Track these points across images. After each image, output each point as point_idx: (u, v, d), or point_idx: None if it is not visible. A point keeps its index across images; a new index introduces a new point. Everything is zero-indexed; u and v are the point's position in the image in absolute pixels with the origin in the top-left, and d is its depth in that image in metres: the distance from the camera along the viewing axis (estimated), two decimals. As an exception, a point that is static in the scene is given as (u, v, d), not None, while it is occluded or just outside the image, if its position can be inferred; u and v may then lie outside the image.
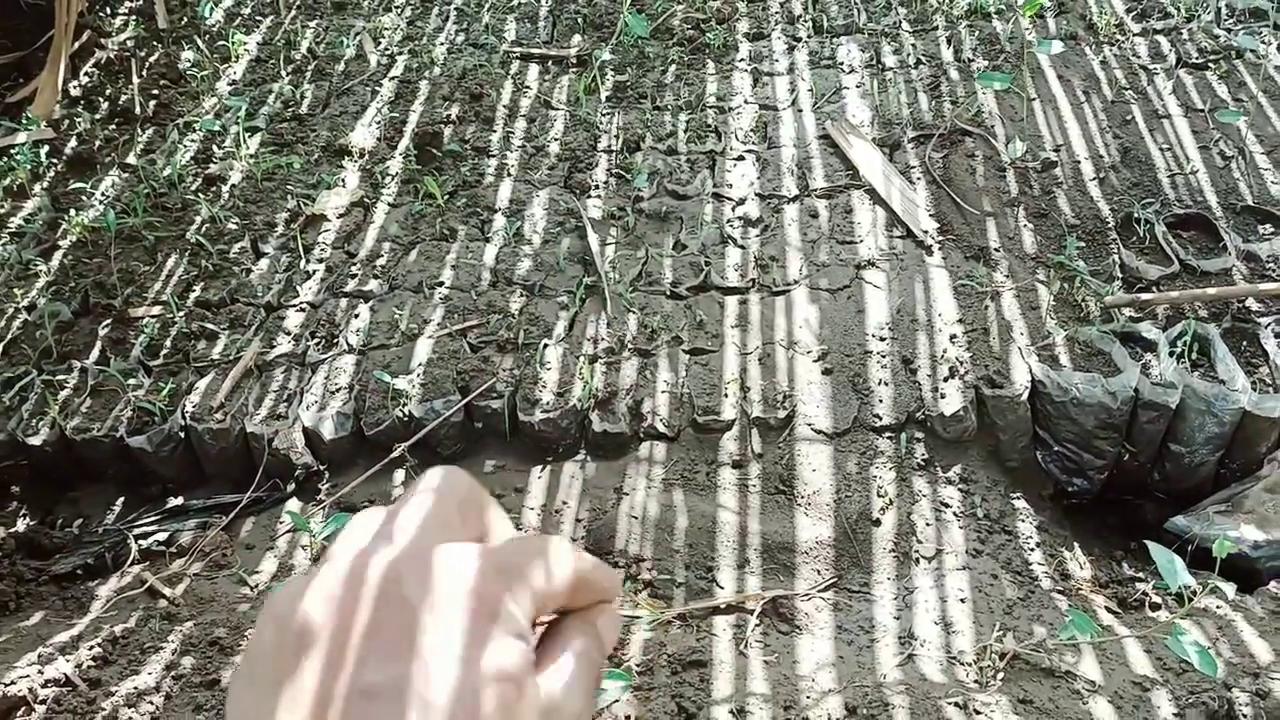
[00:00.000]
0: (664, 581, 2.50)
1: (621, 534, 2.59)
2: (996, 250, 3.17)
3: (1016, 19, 4.00)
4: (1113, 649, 2.28)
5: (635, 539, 2.58)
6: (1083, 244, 3.17)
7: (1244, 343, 2.88)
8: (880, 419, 2.77)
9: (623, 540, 2.57)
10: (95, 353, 3.05)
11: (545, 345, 2.94)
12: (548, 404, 2.82)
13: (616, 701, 2.05)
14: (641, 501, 2.65)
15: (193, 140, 3.79)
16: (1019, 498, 2.74)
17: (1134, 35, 3.92)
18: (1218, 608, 2.42)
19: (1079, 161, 3.43)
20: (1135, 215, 3.20)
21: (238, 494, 2.80)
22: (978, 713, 2.06)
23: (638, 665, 2.21)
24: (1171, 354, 2.79)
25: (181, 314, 3.11)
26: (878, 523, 2.60)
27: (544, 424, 2.79)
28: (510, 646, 0.48)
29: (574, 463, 2.78)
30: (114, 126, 3.89)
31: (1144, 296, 2.95)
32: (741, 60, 4.02)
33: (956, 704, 2.08)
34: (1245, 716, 2.09)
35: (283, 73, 4.07)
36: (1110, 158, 3.42)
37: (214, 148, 3.74)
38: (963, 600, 2.42)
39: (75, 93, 4.04)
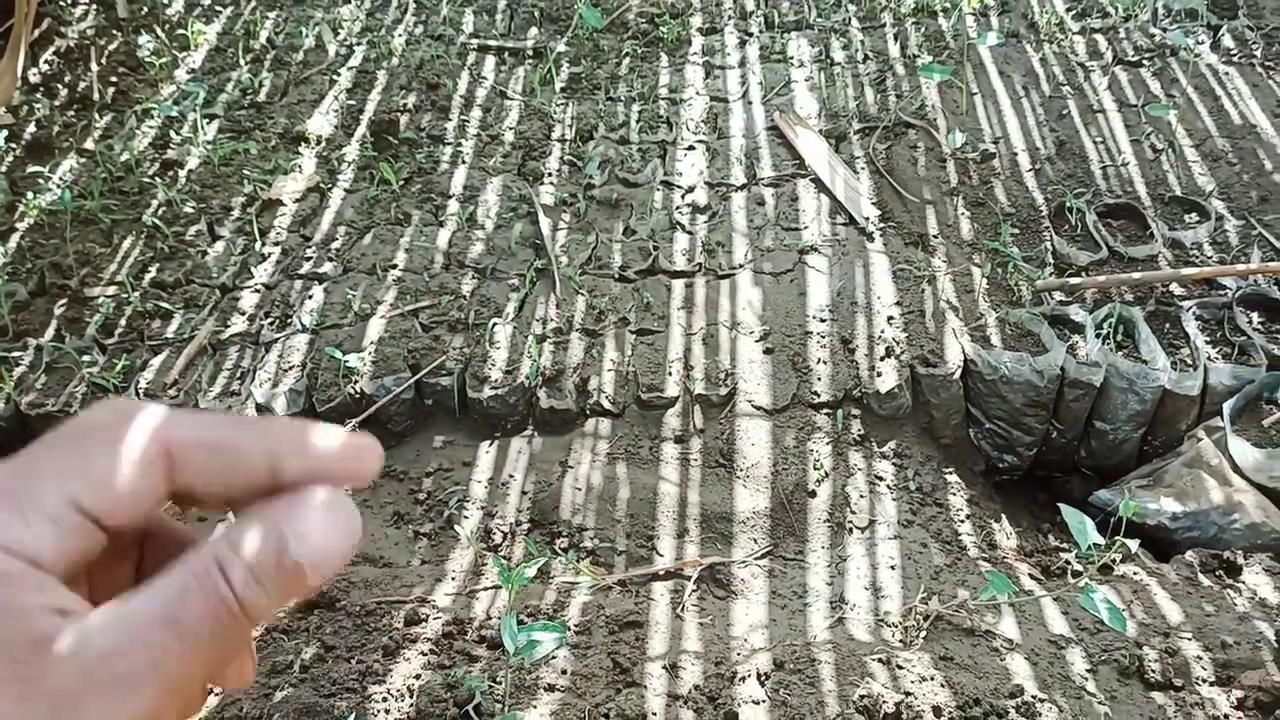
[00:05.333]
0: (605, 550, 2.59)
1: (566, 505, 2.67)
2: (935, 237, 3.28)
3: (961, 16, 4.12)
4: (1031, 610, 2.38)
5: (579, 510, 2.66)
6: (1017, 231, 3.28)
7: (1167, 325, 3.00)
8: (818, 396, 2.86)
9: (567, 511, 2.65)
10: (51, 331, 3.09)
11: (495, 325, 3.02)
12: (496, 381, 2.90)
13: (553, 657, 2.13)
14: (586, 474, 2.73)
15: (151, 126, 3.84)
16: (951, 472, 2.84)
17: (1073, 33, 4.05)
18: (1135, 574, 2.53)
19: (1016, 153, 3.55)
20: (1068, 204, 3.32)
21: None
22: (900, 668, 2.15)
23: (576, 625, 2.28)
24: (1098, 335, 2.90)
25: (137, 294, 3.16)
26: (813, 494, 2.69)
27: (493, 400, 2.87)
28: None
29: (521, 438, 2.86)
30: (73, 113, 3.93)
31: (1073, 281, 3.07)
32: (694, 54, 4.12)
33: (880, 660, 2.17)
34: (1154, 672, 2.20)
35: (241, 62, 4.12)
36: (1046, 150, 3.54)
37: (172, 133, 3.79)
38: (893, 567, 2.52)
39: (34, 80, 4.07)
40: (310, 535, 0.42)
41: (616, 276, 3.21)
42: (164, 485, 0.43)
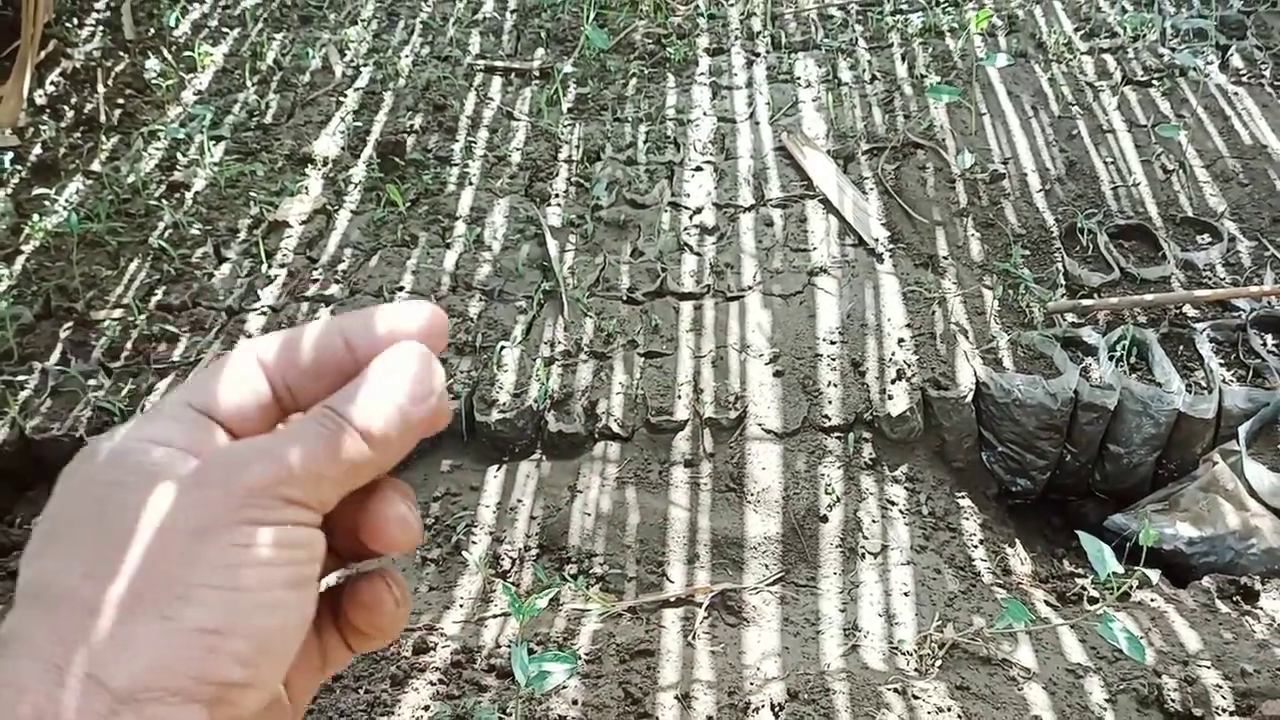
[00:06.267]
0: (615, 576, 2.56)
1: (575, 530, 2.64)
2: (945, 258, 3.26)
3: (969, 36, 4.11)
4: (1048, 638, 2.35)
5: (588, 535, 2.63)
6: (1028, 252, 3.26)
7: (1180, 347, 2.97)
8: (829, 419, 2.84)
9: (576, 536, 2.63)
10: (56, 355, 3.07)
11: (503, 348, 3.00)
12: (504, 405, 2.87)
13: (564, 686, 2.10)
14: (595, 499, 2.70)
15: (157, 148, 3.83)
16: (964, 496, 2.81)
17: (1081, 54, 4.04)
18: (1152, 601, 2.50)
19: (1026, 174, 3.53)
20: (1079, 225, 3.30)
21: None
22: (916, 698, 2.12)
23: (586, 654, 2.25)
24: (1111, 358, 2.88)
25: (142, 317, 3.14)
26: (825, 519, 2.66)
27: (500, 424, 2.84)
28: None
29: (530, 462, 2.84)
30: (79, 134, 3.92)
31: (1085, 302, 3.04)
32: (701, 74, 4.11)
33: (895, 690, 2.14)
34: (1173, 702, 2.17)
35: (248, 83, 4.12)
36: (1056, 170, 3.53)
37: (178, 155, 3.78)
38: (906, 593, 2.48)
39: (41, 101, 4.07)
40: (399, 372, 0.50)
41: (625, 298, 3.19)
42: (259, 381, 0.51)
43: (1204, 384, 2.85)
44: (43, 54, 4.22)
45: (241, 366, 0.51)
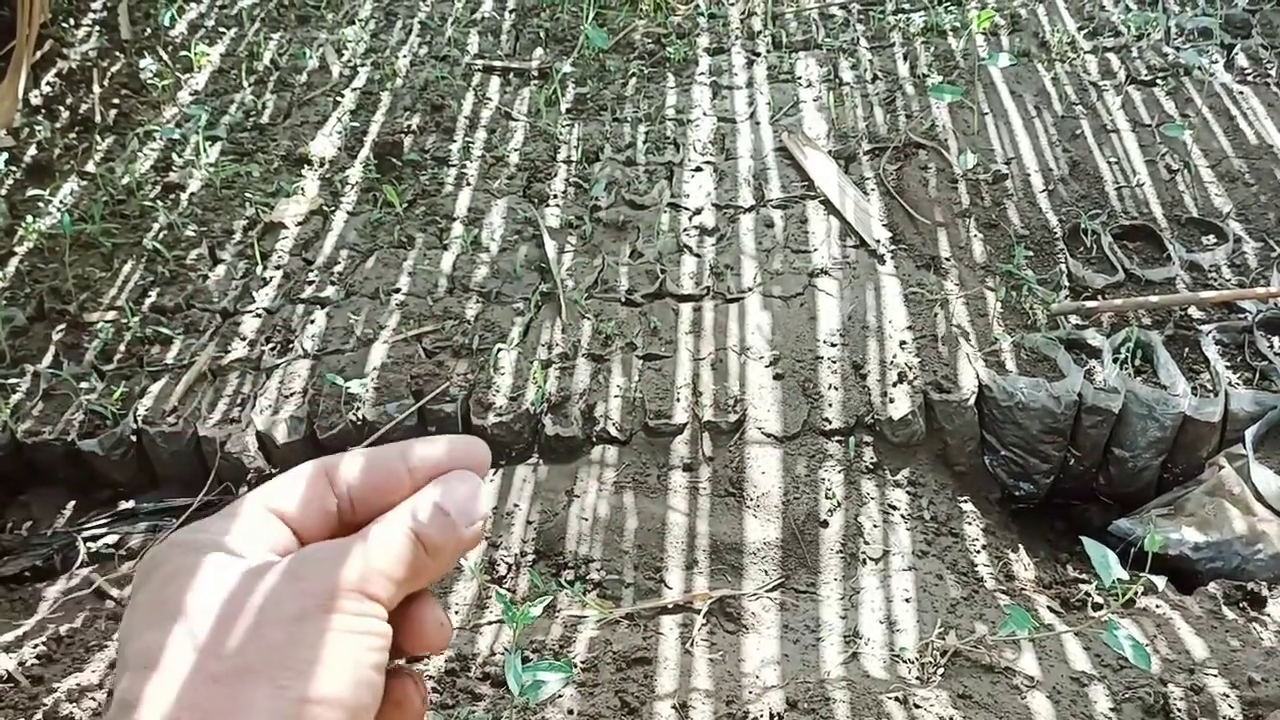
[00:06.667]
0: (613, 582, 2.52)
1: (571, 535, 2.60)
2: (947, 259, 3.22)
3: (971, 36, 4.07)
4: (1052, 646, 2.31)
5: (585, 540, 2.60)
6: (1031, 253, 3.22)
7: (1186, 350, 2.93)
8: (830, 423, 2.80)
9: (573, 541, 2.59)
10: (48, 357, 3.04)
11: (500, 350, 2.96)
12: (501, 408, 2.84)
13: (559, 695, 2.06)
14: (592, 503, 2.67)
15: (152, 149, 3.80)
16: (966, 501, 2.77)
17: (1085, 53, 4.00)
18: (1157, 607, 2.46)
19: (1029, 174, 3.49)
20: (1083, 226, 3.26)
21: (189, 497, 2.80)
22: (917, 707, 2.08)
23: (582, 662, 2.22)
24: (1115, 360, 2.84)
25: (136, 319, 3.11)
26: (825, 524, 2.63)
27: (497, 427, 2.81)
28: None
29: (526, 466, 2.80)
30: (74, 135, 3.89)
31: (1089, 304, 3.01)
32: (701, 74, 4.07)
33: (897, 699, 2.10)
34: (1180, 711, 2.13)
35: (245, 83, 4.09)
36: (1059, 170, 3.49)
37: (174, 156, 3.75)
38: (907, 600, 2.45)
39: (36, 101, 4.04)
40: (453, 493, 0.58)
41: (623, 300, 3.15)
42: (326, 493, 0.58)
43: (1210, 387, 2.81)
44: (38, 54, 4.19)
45: (314, 481, 0.59)
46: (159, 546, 0.54)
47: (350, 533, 0.58)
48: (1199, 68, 3.83)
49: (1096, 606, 2.52)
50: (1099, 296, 3.07)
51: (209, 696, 0.48)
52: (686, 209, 3.46)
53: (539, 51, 4.25)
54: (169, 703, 0.48)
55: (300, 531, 0.57)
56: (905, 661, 2.29)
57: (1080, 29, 4.12)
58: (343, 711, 0.50)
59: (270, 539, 0.56)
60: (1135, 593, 2.41)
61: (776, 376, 2.90)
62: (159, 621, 0.51)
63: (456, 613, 2.42)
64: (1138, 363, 2.88)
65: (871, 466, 2.75)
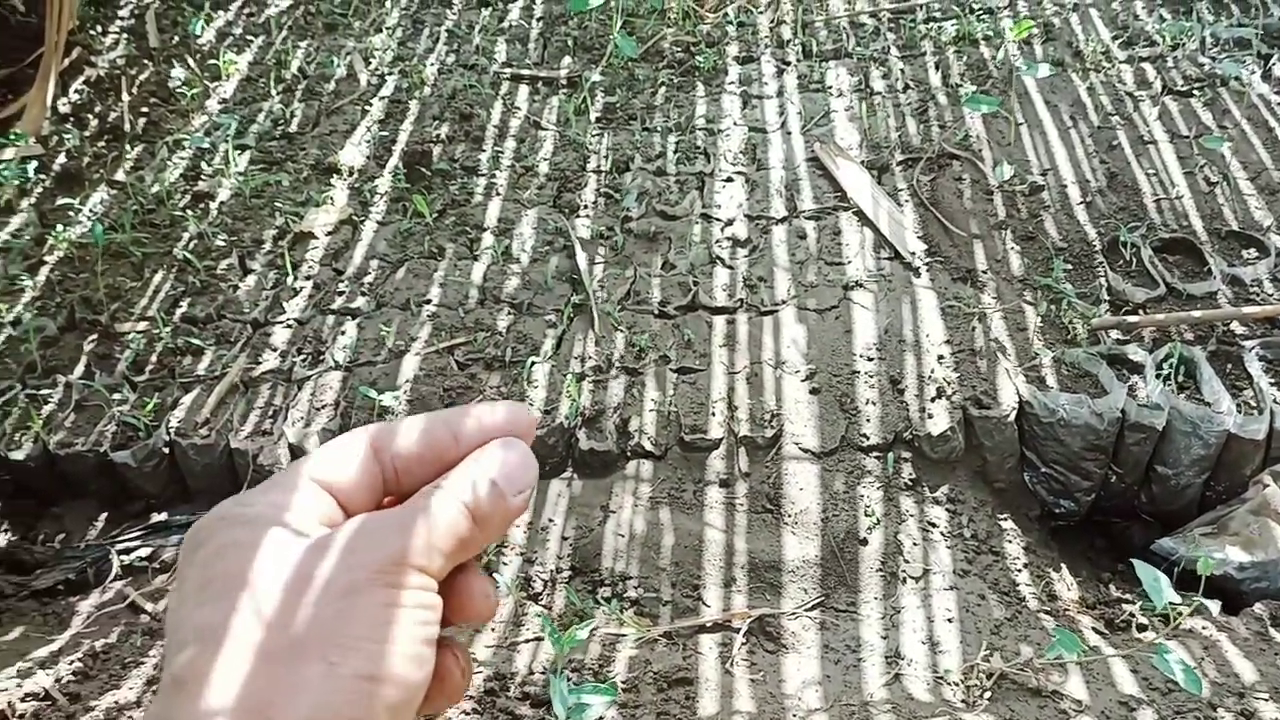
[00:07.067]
0: (650, 599, 2.49)
1: (608, 552, 2.58)
2: (984, 272, 3.18)
3: (1004, 45, 4.04)
4: (1099, 669, 2.27)
5: (621, 557, 2.57)
6: (1069, 266, 3.18)
7: (1229, 365, 2.89)
8: (867, 439, 2.77)
9: (609, 558, 2.56)
10: (80, 368, 3.03)
11: (533, 363, 2.94)
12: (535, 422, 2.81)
13: (601, 718, 2.03)
14: (628, 519, 2.64)
15: (182, 158, 3.79)
16: (1006, 518, 2.74)
17: (1120, 63, 3.95)
18: (1203, 629, 2.42)
19: (1066, 185, 3.45)
20: (1121, 239, 3.22)
21: (222, 510, 2.78)
22: (964, 732, 2.05)
23: (623, 682, 2.19)
24: (1158, 376, 2.80)
25: (167, 330, 3.09)
26: (865, 542, 2.59)
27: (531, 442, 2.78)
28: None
29: (560, 480, 2.77)
30: (103, 143, 3.88)
31: (1130, 319, 2.97)
32: (731, 83, 4.04)
33: (943, 723, 2.07)
34: (1232, 737, 2.09)
35: (273, 92, 4.07)
36: (1097, 182, 3.45)
37: (203, 165, 3.74)
38: (950, 620, 2.41)
39: (64, 110, 4.04)
40: (500, 463, 0.57)
41: (656, 312, 3.13)
42: (372, 463, 0.57)
43: (1254, 403, 2.77)
44: (67, 62, 4.19)
45: (358, 451, 0.58)
46: (204, 519, 0.54)
47: (396, 502, 0.57)
48: (1236, 78, 3.78)
49: (1141, 628, 2.48)
50: (1140, 311, 3.03)
51: (264, 674, 0.48)
52: (718, 220, 3.43)
53: (567, 60, 4.23)
54: (224, 680, 0.47)
55: (346, 503, 0.56)
56: (950, 684, 2.25)
57: (1114, 38, 4.08)
58: (395, 688, 0.50)
59: (318, 510, 0.55)
60: (1183, 617, 2.36)
61: (813, 391, 2.87)
62: (210, 599, 0.50)
63: (493, 630, 2.40)
64: (1180, 379, 2.84)
65: (910, 483, 2.71)
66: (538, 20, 4.50)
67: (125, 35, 4.42)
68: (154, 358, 3.05)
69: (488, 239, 3.39)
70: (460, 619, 0.58)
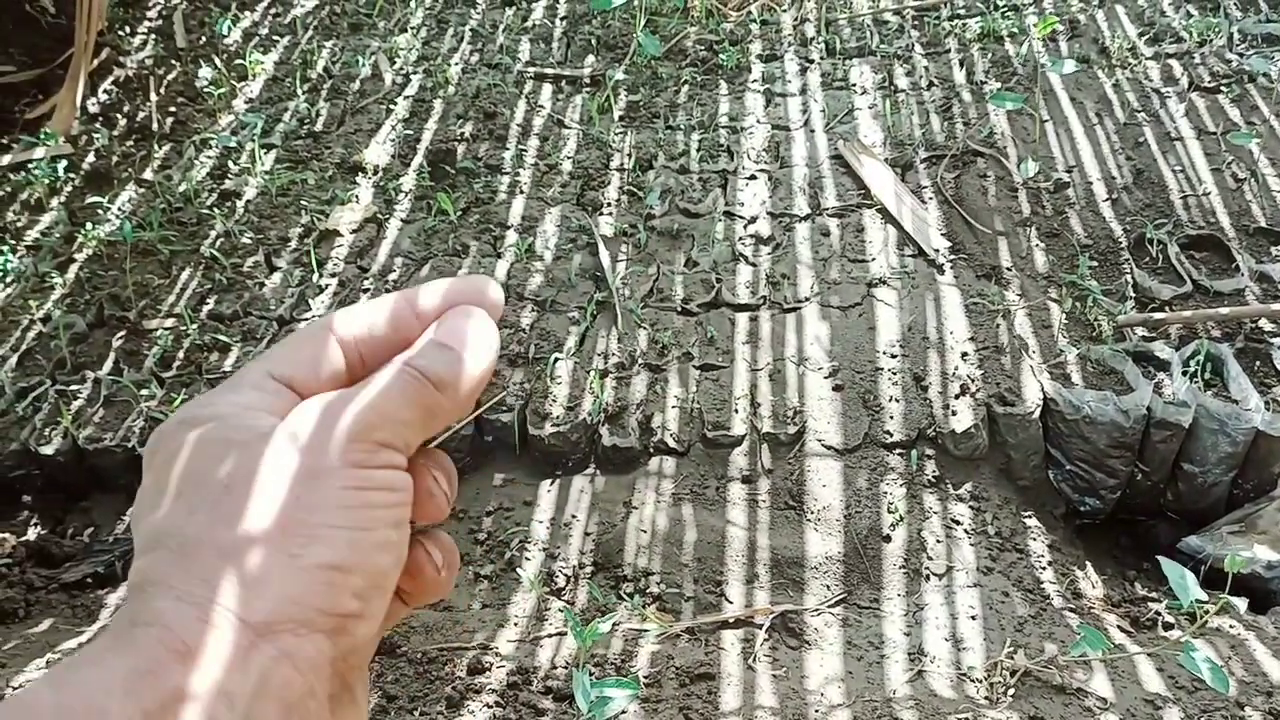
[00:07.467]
0: (672, 595, 2.50)
1: (630, 547, 2.58)
2: (1008, 269, 3.17)
3: (1029, 42, 4.02)
4: (1124, 667, 2.26)
5: (644, 552, 2.57)
6: (1095, 264, 3.16)
7: (1257, 363, 2.87)
8: (891, 435, 2.76)
9: (631, 554, 2.57)
10: (109, 364, 3.06)
11: (556, 360, 2.95)
12: (558, 418, 2.82)
13: (624, 712, 2.04)
14: (650, 515, 2.64)
15: (209, 156, 3.82)
16: (1030, 516, 2.72)
17: (1146, 59, 3.93)
18: (1230, 627, 2.40)
19: (1091, 182, 3.43)
20: (1148, 236, 3.20)
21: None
22: (988, 728, 2.04)
23: (645, 677, 2.19)
24: (1185, 373, 2.78)
25: (194, 326, 3.12)
26: (888, 539, 2.59)
27: (554, 438, 2.79)
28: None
29: (583, 476, 2.78)
30: (131, 143, 3.92)
31: (1157, 316, 2.95)
32: (754, 81, 4.04)
33: (966, 720, 2.06)
34: (1259, 736, 2.07)
35: (299, 91, 4.10)
36: (1123, 179, 3.43)
37: (230, 164, 3.77)
38: (973, 617, 2.40)
39: (94, 110, 4.08)
40: (456, 329, 0.54)
41: (679, 309, 3.13)
42: (333, 351, 0.54)
43: (1282, 401, 2.75)
44: (95, 62, 4.23)
45: (318, 339, 0.55)
46: (163, 425, 0.52)
47: None
48: (1264, 74, 3.75)
49: (1167, 626, 2.47)
50: (1166, 308, 3.01)
51: (223, 571, 0.46)
52: (741, 217, 3.43)
53: (590, 59, 4.24)
54: (182, 580, 0.46)
55: (309, 395, 0.54)
56: (973, 681, 2.24)
57: (1141, 35, 4.05)
58: (361, 576, 0.48)
59: (279, 406, 0.52)
60: (1210, 614, 2.35)
61: (836, 388, 2.87)
62: (167, 501, 0.49)
63: (516, 625, 2.41)
64: (1207, 376, 2.81)
65: (934, 480, 2.70)
66: (561, 19, 4.51)
67: (153, 36, 4.46)
68: (181, 354, 3.07)
69: (511, 237, 3.40)
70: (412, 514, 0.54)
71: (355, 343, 0.55)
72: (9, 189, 3.69)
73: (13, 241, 3.47)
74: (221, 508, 0.47)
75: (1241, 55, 3.88)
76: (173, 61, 4.33)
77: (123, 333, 3.15)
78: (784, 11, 4.45)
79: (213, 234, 3.46)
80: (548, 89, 4.09)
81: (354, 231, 3.46)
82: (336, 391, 0.52)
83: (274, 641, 0.45)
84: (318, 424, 0.50)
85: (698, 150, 3.70)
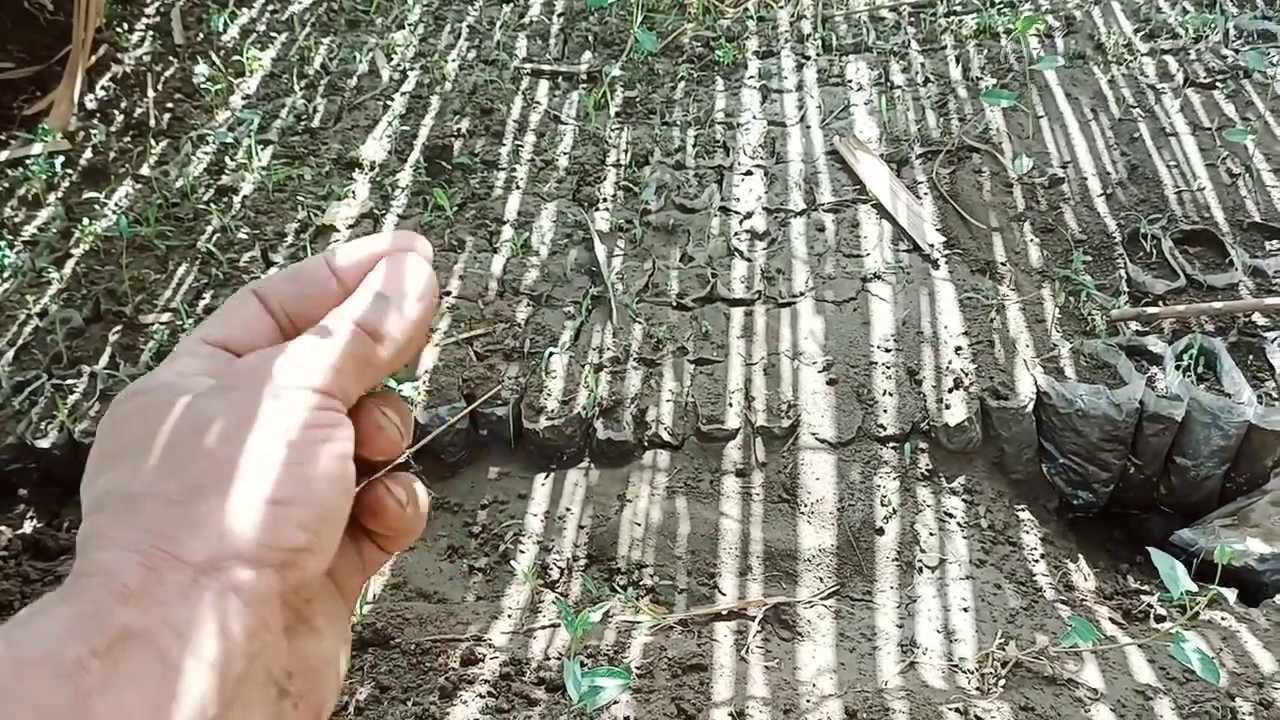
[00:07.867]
0: (666, 588, 2.50)
1: (624, 540, 2.59)
2: (1003, 264, 3.18)
3: (1024, 38, 4.02)
4: (1115, 658, 2.27)
5: (638, 545, 2.58)
6: (1089, 258, 3.17)
7: (1250, 357, 2.87)
8: (884, 429, 2.77)
9: (625, 546, 2.58)
10: (105, 358, 3.07)
11: (551, 354, 2.96)
12: (553, 412, 2.83)
13: (615, 702, 2.05)
14: (645, 509, 2.65)
15: (205, 152, 3.83)
16: (1023, 509, 2.73)
17: (1142, 55, 3.93)
18: (1222, 619, 2.41)
19: (1086, 178, 3.44)
20: (1142, 231, 3.20)
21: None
22: (978, 718, 2.04)
23: (638, 668, 2.20)
24: (1177, 367, 2.79)
25: (191, 321, 3.13)
26: (881, 532, 2.60)
27: (548, 431, 2.80)
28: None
29: (578, 470, 2.79)
30: (128, 139, 3.93)
31: (1150, 310, 2.95)
32: (750, 77, 4.05)
33: (957, 710, 2.07)
34: (1249, 726, 2.08)
35: (296, 87, 4.11)
36: (1117, 174, 3.43)
37: (226, 159, 3.78)
38: (965, 609, 2.41)
39: (91, 106, 4.09)
40: (386, 276, 0.56)
41: (674, 304, 3.14)
42: (262, 314, 0.56)
43: (1275, 395, 2.75)
44: (93, 59, 4.24)
45: (244, 302, 0.57)
46: (112, 402, 0.53)
47: None
48: (1260, 70, 3.75)
49: (1159, 619, 2.47)
50: (1160, 302, 3.02)
51: (166, 518, 0.47)
52: (737, 213, 3.44)
53: (587, 55, 4.24)
54: (124, 533, 0.47)
55: (233, 348, 0.56)
56: (964, 672, 2.25)
57: (1136, 31, 4.06)
58: (303, 509, 0.49)
59: (213, 369, 0.54)
60: (1200, 605, 2.35)
61: (830, 382, 2.87)
62: (109, 466, 0.50)
63: (510, 617, 2.42)
64: (1200, 370, 2.82)
65: (927, 473, 2.71)
66: (558, 16, 4.51)
67: (151, 33, 4.47)
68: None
69: (507, 232, 3.41)
70: (367, 452, 0.56)
71: (280, 303, 0.57)
72: (6, 184, 3.70)
73: (10, 236, 3.48)
74: (164, 464, 0.49)
75: (1237, 51, 3.89)
76: (170, 58, 4.34)
77: (119, 327, 3.16)
78: (780, 8, 4.45)
79: (209, 229, 3.47)
80: (544, 85, 4.10)
81: (350, 227, 3.47)
82: (276, 346, 0.54)
83: (216, 578, 0.46)
84: (250, 374, 0.51)
85: (694, 146, 3.71)
